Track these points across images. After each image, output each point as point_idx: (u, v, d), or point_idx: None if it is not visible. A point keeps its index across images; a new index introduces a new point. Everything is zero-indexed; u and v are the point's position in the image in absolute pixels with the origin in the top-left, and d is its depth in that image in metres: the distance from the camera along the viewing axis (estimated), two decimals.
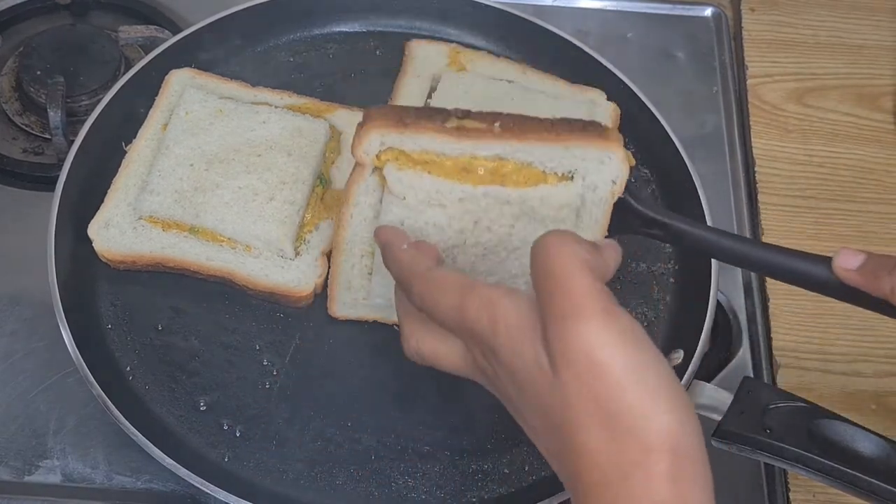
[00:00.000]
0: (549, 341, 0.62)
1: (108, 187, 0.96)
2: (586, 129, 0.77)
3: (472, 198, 0.78)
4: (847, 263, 0.73)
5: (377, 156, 0.79)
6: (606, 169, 0.78)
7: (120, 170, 0.97)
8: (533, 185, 0.78)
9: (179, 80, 1.03)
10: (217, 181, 0.94)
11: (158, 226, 0.94)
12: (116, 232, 0.94)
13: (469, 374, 0.70)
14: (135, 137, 0.99)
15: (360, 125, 0.79)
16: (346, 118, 1.02)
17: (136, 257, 0.94)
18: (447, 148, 0.77)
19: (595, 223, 0.80)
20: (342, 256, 0.87)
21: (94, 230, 0.94)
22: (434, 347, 0.71)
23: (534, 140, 0.77)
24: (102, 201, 0.96)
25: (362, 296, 0.89)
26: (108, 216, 0.95)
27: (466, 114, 0.77)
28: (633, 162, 0.78)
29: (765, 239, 1.09)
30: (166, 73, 1.03)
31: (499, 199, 0.78)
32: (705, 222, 0.97)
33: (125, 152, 0.99)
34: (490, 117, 0.77)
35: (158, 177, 0.95)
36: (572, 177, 0.79)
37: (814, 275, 0.75)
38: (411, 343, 0.72)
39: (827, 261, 0.74)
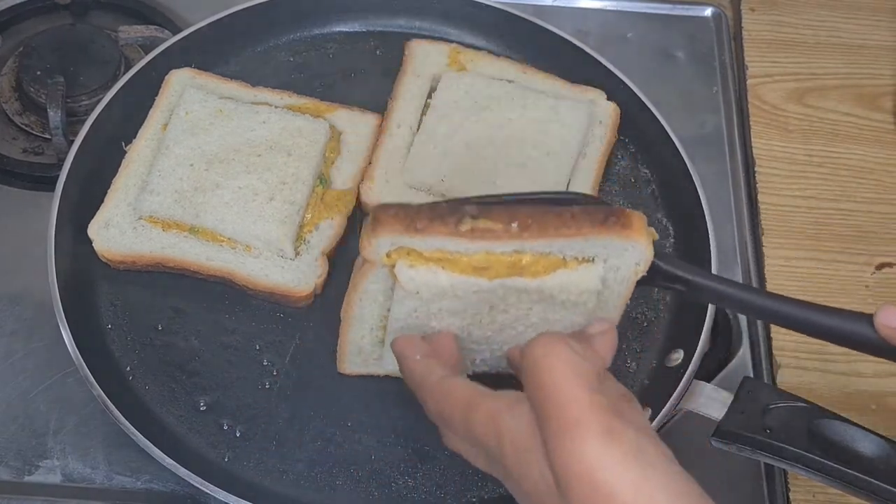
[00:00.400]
0: (551, 460, 0.60)
1: (108, 187, 0.96)
2: (608, 220, 0.73)
3: (489, 289, 0.75)
4: (890, 321, 0.70)
5: (387, 254, 0.75)
6: (629, 254, 0.75)
7: (120, 170, 0.97)
8: (552, 272, 0.75)
9: (179, 80, 1.03)
10: (217, 181, 0.94)
11: (158, 226, 0.94)
12: (116, 232, 0.94)
13: (495, 475, 0.69)
14: (135, 137, 0.99)
15: (370, 227, 0.74)
16: (346, 118, 1.02)
17: (136, 257, 0.94)
18: (461, 247, 0.74)
19: (618, 297, 0.78)
20: (351, 330, 0.85)
21: (94, 230, 0.94)
22: (464, 447, 0.70)
23: (553, 236, 0.73)
24: (102, 201, 0.96)
25: (374, 357, 0.87)
26: (108, 216, 0.95)
27: (481, 212, 0.72)
28: (657, 236, 0.75)
29: (765, 239, 1.09)
30: (166, 73, 1.03)
31: (516, 288, 0.75)
32: (705, 222, 0.96)
33: (125, 152, 0.99)
34: (506, 216, 0.72)
35: (158, 177, 0.95)
36: (593, 259, 0.75)
37: (853, 332, 0.73)
38: (447, 439, 0.72)
39: (866, 318, 0.72)
